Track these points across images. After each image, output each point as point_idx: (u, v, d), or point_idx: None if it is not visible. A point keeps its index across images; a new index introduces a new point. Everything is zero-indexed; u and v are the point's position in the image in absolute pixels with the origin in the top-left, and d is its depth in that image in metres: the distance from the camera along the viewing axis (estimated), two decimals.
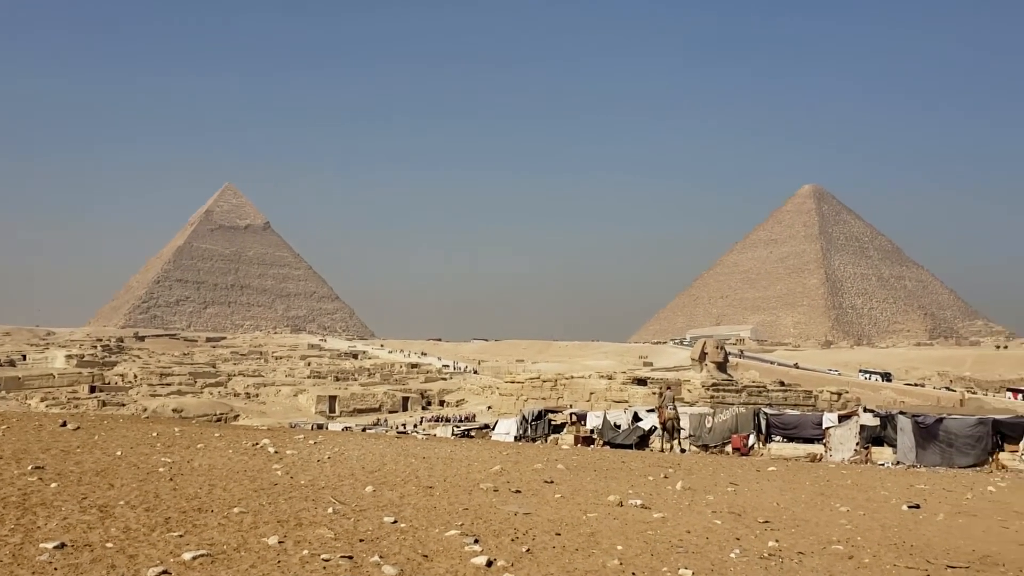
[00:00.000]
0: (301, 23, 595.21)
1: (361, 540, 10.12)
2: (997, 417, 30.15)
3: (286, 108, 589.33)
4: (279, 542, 9.61)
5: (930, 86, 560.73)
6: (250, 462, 17.37)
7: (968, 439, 28.33)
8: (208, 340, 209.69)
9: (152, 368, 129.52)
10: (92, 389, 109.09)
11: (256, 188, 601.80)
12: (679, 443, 35.66)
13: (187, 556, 8.68)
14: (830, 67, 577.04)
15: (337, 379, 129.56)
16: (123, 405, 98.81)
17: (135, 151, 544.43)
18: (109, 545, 8.94)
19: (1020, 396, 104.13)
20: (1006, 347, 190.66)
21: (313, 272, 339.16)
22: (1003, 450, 27.83)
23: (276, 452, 19.64)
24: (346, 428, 64.62)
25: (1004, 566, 10.36)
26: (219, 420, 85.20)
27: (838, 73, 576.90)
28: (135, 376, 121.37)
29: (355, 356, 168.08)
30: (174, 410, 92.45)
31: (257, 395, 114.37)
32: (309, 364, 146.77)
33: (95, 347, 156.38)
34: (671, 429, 34.92)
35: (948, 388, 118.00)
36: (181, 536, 9.56)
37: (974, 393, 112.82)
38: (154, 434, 21.93)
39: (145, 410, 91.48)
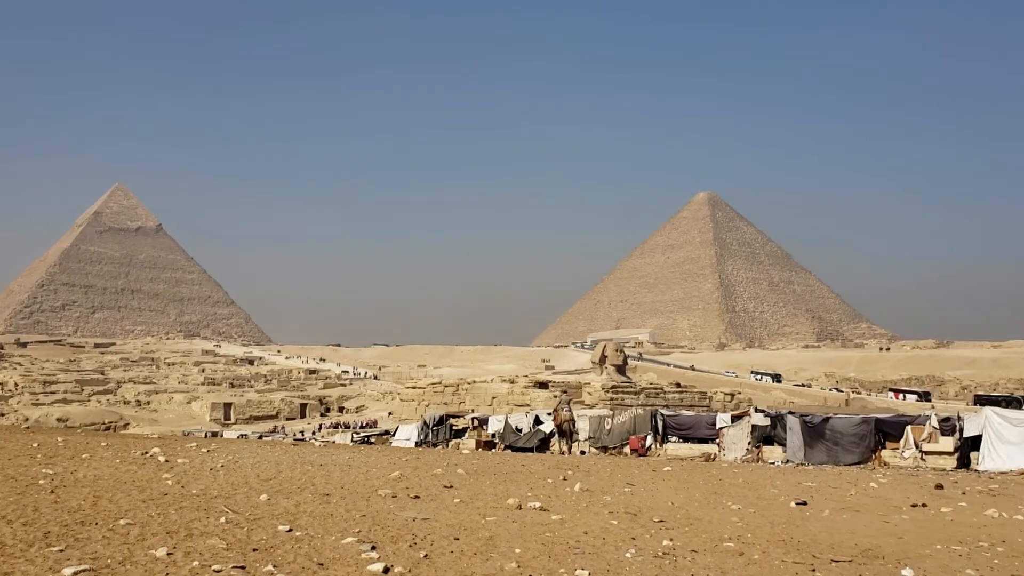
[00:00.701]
0: (193, 22, 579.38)
1: (255, 549, 9.89)
2: (879, 416, 31.56)
3: (179, 109, 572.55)
4: (168, 554, 9.31)
5: (816, 92, 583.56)
6: (139, 472, 16.82)
7: (853, 437, 29.54)
8: (97, 346, 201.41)
9: (35, 375, 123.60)
10: None
11: (148, 190, 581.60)
12: (577, 445, 36.18)
13: (68, 572, 8.30)
14: (725, 74, 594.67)
15: (232, 386, 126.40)
16: (2, 415, 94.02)
17: (16, 149, 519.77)
18: None
19: (901, 396, 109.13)
20: (888, 349, 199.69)
21: (207, 276, 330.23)
22: (885, 447, 29.13)
23: (167, 461, 19.08)
24: (242, 436, 63.07)
25: (884, 559, 10.82)
26: (107, 429, 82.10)
27: (732, 80, 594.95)
28: (16, 384, 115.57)
29: (251, 362, 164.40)
30: (59, 419, 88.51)
31: (148, 403, 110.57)
32: (203, 370, 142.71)
33: None
34: (567, 432, 35.71)
35: (837, 389, 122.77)
36: (62, 551, 9.15)
37: (858, 393, 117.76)
38: (35, 444, 21.03)
39: (27, 420, 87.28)
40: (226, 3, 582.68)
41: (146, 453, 20.63)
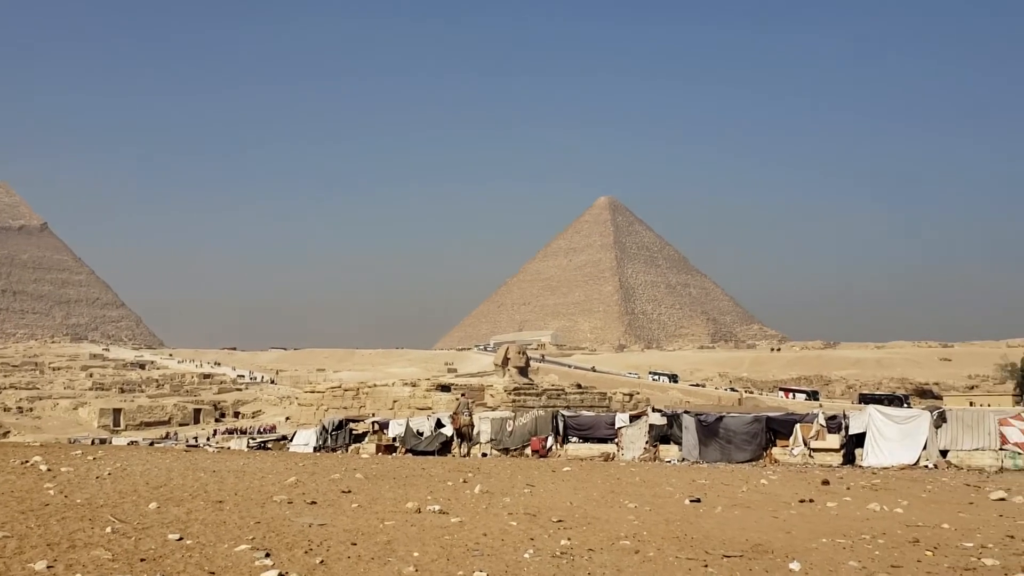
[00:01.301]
0: (76, 17, 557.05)
1: (142, 559, 9.58)
2: (770, 415, 32.55)
3: (65, 106, 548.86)
4: (48, 567, 8.93)
5: (711, 97, 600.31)
6: (18, 482, 16.11)
7: (745, 436, 30.39)
8: None
9: None
10: None
11: (33, 188, 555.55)
12: (479, 448, 36.26)
13: None
14: (628, 80, 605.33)
15: (123, 391, 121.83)
16: None
17: None
18: None
19: (791, 395, 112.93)
20: (779, 350, 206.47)
21: (96, 277, 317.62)
22: (775, 445, 30.06)
23: (49, 470, 18.33)
24: (132, 442, 60.79)
25: (773, 553, 11.16)
26: None
27: (634, 87, 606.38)
28: None
29: (142, 366, 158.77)
30: None
31: (31, 409, 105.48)
32: (91, 375, 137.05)
33: None
34: (466, 435, 35.89)
35: (732, 389, 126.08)
36: None
37: (751, 393, 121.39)
38: None
39: None
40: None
41: (26, 462, 19.78)
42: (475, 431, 37.21)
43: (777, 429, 30.45)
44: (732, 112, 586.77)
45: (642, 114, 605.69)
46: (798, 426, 29.82)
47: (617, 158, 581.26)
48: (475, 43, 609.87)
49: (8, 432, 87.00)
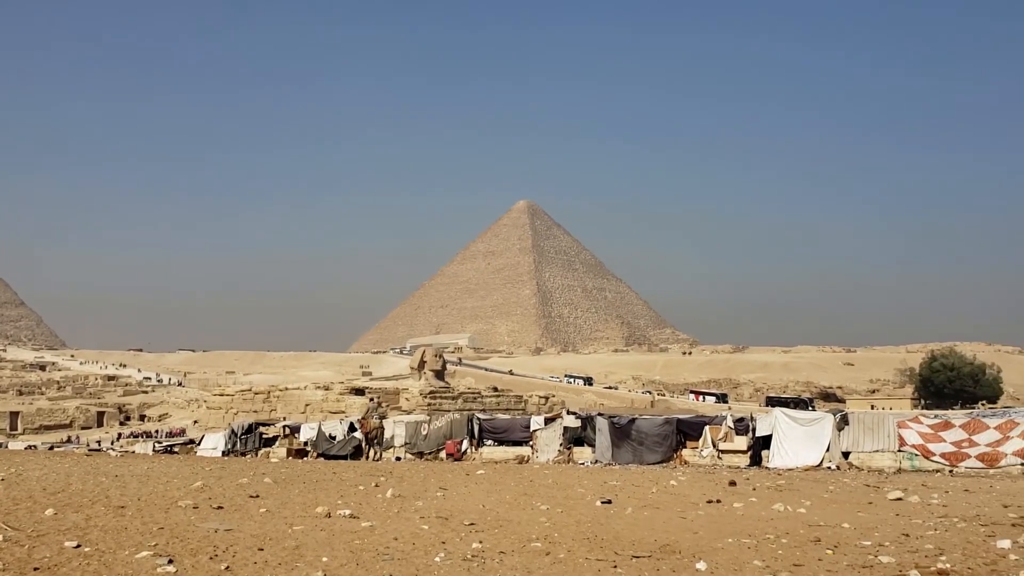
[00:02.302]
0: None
1: (36, 569, 9.23)
2: (681, 417, 33.19)
3: None
4: None
5: (623, 101, 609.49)
6: None
7: (656, 437, 30.90)
8: None
9: None
10: None
11: None
12: (393, 452, 36.04)
13: None
14: (546, 82, 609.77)
15: (21, 393, 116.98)
16: None
17: None
18: None
19: (701, 397, 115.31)
20: (690, 353, 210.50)
21: None
22: (686, 447, 30.65)
23: None
24: (31, 447, 58.44)
25: (680, 553, 11.36)
26: None
27: (552, 88, 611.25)
28: None
29: (43, 367, 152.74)
30: None
31: None
32: None
33: None
34: (375, 439, 35.79)
35: (649, 392, 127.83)
36: None
37: (663, 395, 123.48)
38: None
39: None
40: None
41: None
42: (385, 435, 37.00)
43: (687, 431, 31.03)
44: (646, 114, 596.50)
45: (560, 117, 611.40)
46: (707, 428, 30.44)
47: (535, 162, 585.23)
48: (395, 44, 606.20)
49: None
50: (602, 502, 16.56)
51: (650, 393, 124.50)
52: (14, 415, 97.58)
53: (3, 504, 13.93)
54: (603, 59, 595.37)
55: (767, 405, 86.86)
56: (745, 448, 29.41)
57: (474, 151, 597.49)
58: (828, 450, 27.74)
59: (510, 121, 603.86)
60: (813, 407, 73.25)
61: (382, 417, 42.23)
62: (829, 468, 26.89)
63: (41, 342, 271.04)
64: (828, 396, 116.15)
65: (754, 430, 29.72)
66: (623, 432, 31.24)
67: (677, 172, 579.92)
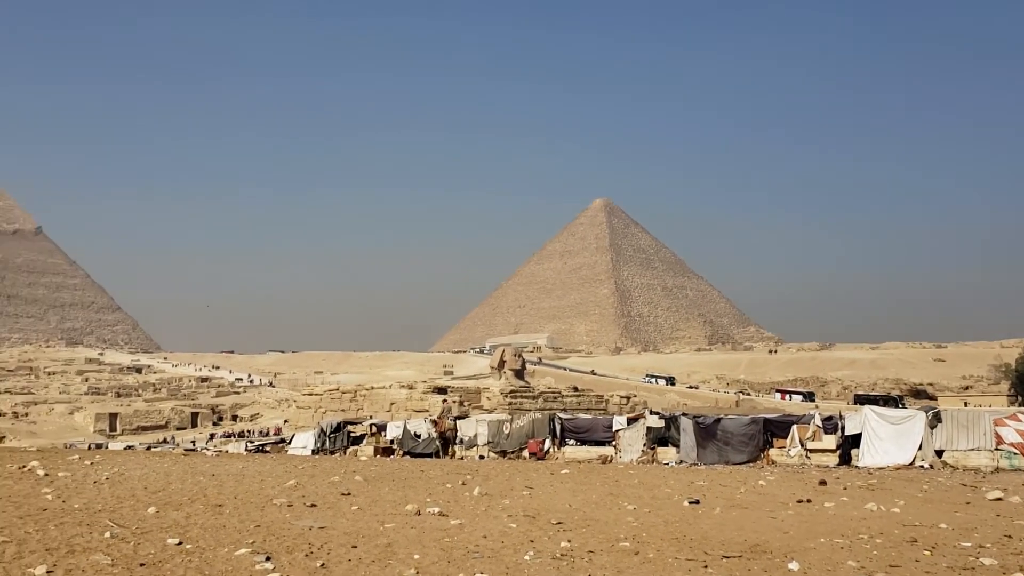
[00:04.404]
0: (79, 23, 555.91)
1: (142, 564, 9.59)
2: (767, 416, 32.62)
3: (59, 107, 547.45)
4: (47, 572, 8.95)
5: (706, 104, 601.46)
6: (15, 487, 16.11)
7: (742, 437, 30.47)
8: None
9: None
10: None
11: (27, 191, 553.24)
12: (476, 450, 36.36)
13: None
14: (621, 82, 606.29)
15: (119, 395, 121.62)
16: None
17: None
18: None
19: (787, 396, 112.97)
20: (775, 352, 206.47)
21: (91, 281, 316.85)
22: (773, 446, 30.15)
23: (47, 475, 18.31)
24: (129, 447, 60.74)
25: (772, 553, 11.20)
26: None
27: (630, 89, 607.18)
28: None
29: (139, 370, 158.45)
30: None
31: (27, 414, 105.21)
32: (87, 380, 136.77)
33: None
34: (450, 439, 36.19)
35: (740, 391, 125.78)
36: None
37: (747, 394, 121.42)
38: None
39: None
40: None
41: (24, 467, 19.76)
42: (467, 434, 37.36)
43: (774, 430, 30.54)
44: (728, 113, 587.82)
45: (639, 116, 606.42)
46: (795, 427, 29.91)
47: (613, 160, 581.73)
48: (474, 46, 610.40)
49: (3, 437, 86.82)
50: (689, 502, 16.43)
51: (734, 392, 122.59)
52: (113, 416, 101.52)
53: (109, 502, 14.52)
54: (677, 56, 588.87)
55: (855, 403, 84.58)
56: (834, 447, 28.80)
57: (550, 151, 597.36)
58: (920, 448, 26.96)
59: (586, 120, 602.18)
60: (904, 405, 71.25)
61: (464, 416, 42.63)
62: (922, 467, 26.14)
63: (137, 346, 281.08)
64: (919, 393, 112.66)
65: (843, 428, 29.09)
66: (708, 432, 30.88)
67: (758, 167, 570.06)
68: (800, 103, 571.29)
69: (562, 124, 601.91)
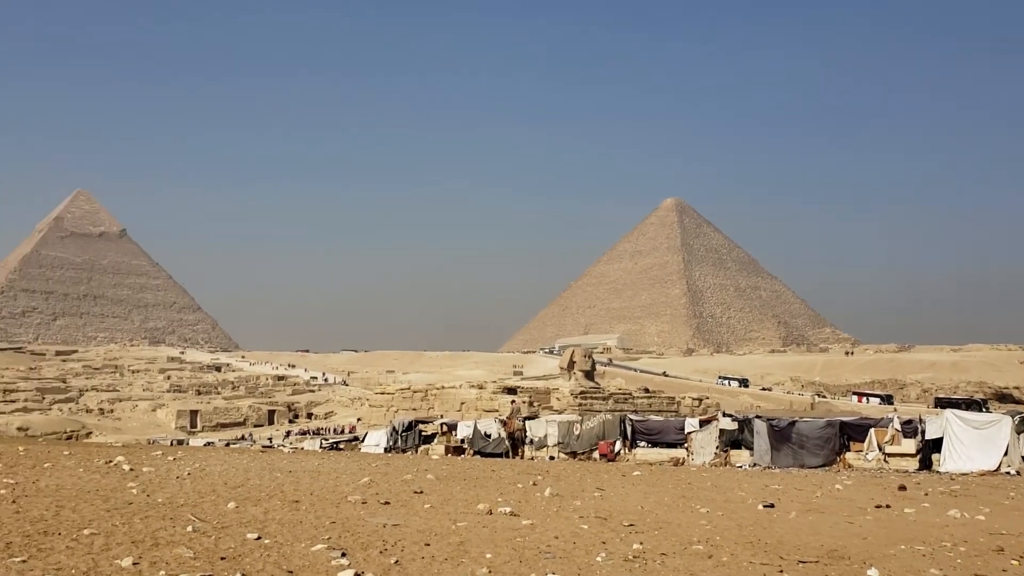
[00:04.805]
0: (164, 24, 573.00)
1: (223, 558, 9.83)
2: (844, 419, 31.93)
3: (145, 111, 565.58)
4: (134, 563, 9.23)
5: (783, 105, 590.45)
6: (103, 481, 16.64)
7: (818, 440, 29.87)
8: (58, 353, 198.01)
9: None
10: None
11: (111, 195, 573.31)
12: (546, 451, 36.36)
13: None
14: (692, 83, 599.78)
15: (199, 393, 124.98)
16: None
17: None
18: None
19: (864, 399, 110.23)
20: (852, 353, 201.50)
21: (173, 282, 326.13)
22: (849, 450, 29.49)
23: (131, 470, 18.89)
24: (209, 443, 62.43)
25: (849, 559, 10.96)
26: (69, 438, 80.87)
27: (700, 89, 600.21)
28: None
29: (218, 369, 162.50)
30: (19, 428, 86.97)
31: (112, 411, 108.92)
32: (169, 377, 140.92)
33: None
34: (519, 440, 36.19)
35: (815, 393, 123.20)
36: (24, 562, 9.03)
37: (823, 397, 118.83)
38: None
39: None
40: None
41: (110, 462, 20.40)
42: (538, 434, 37.39)
43: (851, 434, 29.91)
44: (802, 111, 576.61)
45: (709, 114, 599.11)
46: (873, 431, 29.22)
47: (684, 159, 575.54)
48: (542, 48, 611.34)
49: (91, 433, 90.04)
50: (764, 506, 16.18)
51: (808, 395, 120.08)
52: (194, 413, 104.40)
53: (190, 497, 14.92)
54: (750, 54, 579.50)
55: (936, 406, 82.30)
56: (914, 451, 28.06)
57: (621, 149, 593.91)
58: (1007, 454, 26.06)
59: (657, 119, 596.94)
60: (988, 408, 69.05)
61: (533, 416, 42.66)
62: (1008, 473, 25.24)
63: (216, 344, 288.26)
64: (1004, 397, 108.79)
65: (923, 432, 28.30)
66: (783, 435, 30.37)
67: (831, 167, 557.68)
68: (880, 102, 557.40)
69: (633, 124, 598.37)
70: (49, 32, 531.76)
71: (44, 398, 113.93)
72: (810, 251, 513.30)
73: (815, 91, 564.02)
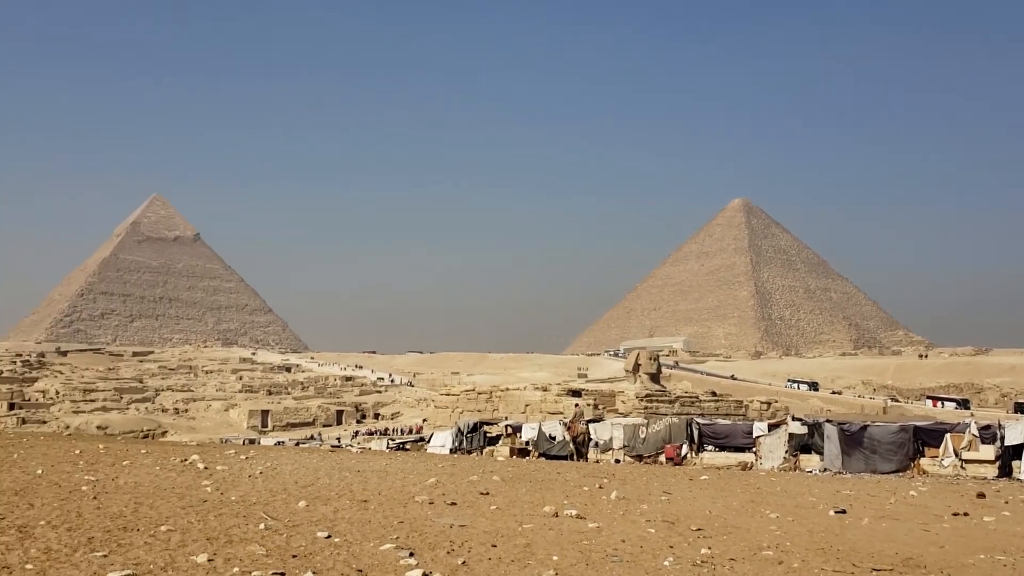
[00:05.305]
0: (230, 27, 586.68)
1: (294, 556, 10.00)
2: (918, 424, 31.11)
3: (218, 116, 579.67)
4: (208, 560, 9.44)
5: (854, 103, 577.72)
6: (178, 479, 17.05)
7: (891, 446, 29.17)
8: (135, 354, 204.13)
9: (75, 384, 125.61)
10: (11, 406, 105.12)
11: (185, 199, 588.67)
12: (612, 454, 36.18)
13: None
14: (760, 83, 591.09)
15: (270, 393, 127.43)
16: (44, 422, 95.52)
17: (56, 159, 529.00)
18: (29, 567, 8.66)
19: (939, 403, 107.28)
20: (926, 356, 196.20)
21: (245, 284, 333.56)
22: (924, 456, 28.72)
23: (206, 468, 19.32)
24: (279, 443, 63.60)
25: (926, 568, 10.68)
26: (146, 437, 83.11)
27: (765, 90, 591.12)
28: (57, 392, 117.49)
29: (288, 369, 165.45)
30: (98, 427, 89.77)
31: (186, 410, 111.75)
32: (241, 378, 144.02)
33: (14, 362, 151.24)
34: (582, 443, 35.97)
35: (888, 397, 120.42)
36: (105, 556, 9.32)
37: (896, 401, 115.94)
38: (77, 452, 21.39)
39: (67, 427, 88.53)
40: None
41: (185, 460, 20.90)
42: (603, 437, 37.20)
43: (925, 439, 29.15)
44: (872, 109, 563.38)
45: (777, 113, 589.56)
46: (948, 436, 28.42)
47: (751, 159, 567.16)
48: (609, 52, 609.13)
49: (166, 432, 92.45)
50: (835, 512, 15.86)
51: (881, 399, 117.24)
52: (264, 413, 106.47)
53: (262, 495, 15.21)
54: (816, 51, 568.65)
55: (1016, 411, 79.66)
56: (992, 458, 27.21)
57: (685, 150, 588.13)
58: None
59: (725, 117, 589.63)
60: None
61: (598, 419, 42.47)
62: None
63: (287, 346, 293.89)
64: None
65: (1003, 438, 27.40)
66: (854, 440, 29.72)
67: (904, 165, 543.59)
68: (953, 99, 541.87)
69: (699, 125, 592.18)
70: (112, 34, 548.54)
71: (122, 398, 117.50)
72: (882, 251, 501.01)
73: (886, 86, 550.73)
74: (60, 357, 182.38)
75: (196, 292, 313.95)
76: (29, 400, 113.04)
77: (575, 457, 36.72)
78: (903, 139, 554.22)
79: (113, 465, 18.81)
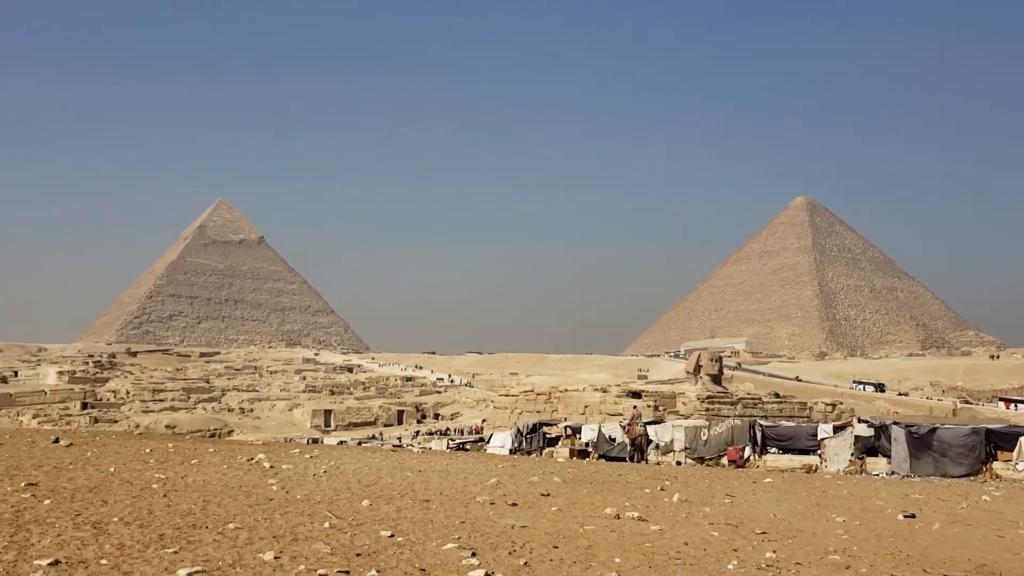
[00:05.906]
0: (297, 31, 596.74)
1: (358, 555, 10.11)
2: (990, 427, 30.24)
3: (282, 120, 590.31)
4: (275, 557, 9.59)
5: (920, 102, 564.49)
6: (245, 477, 17.35)
7: (961, 449, 28.39)
8: (202, 355, 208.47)
9: (145, 384, 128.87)
10: (84, 405, 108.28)
11: (250, 202, 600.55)
12: (673, 455, 35.85)
13: (182, 573, 8.65)
14: (822, 81, 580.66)
15: (332, 393, 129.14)
16: (115, 422, 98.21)
17: (127, 165, 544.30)
18: (103, 562, 8.90)
19: (1012, 406, 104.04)
20: (997, 357, 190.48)
21: (308, 286, 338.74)
22: (996, 459, 27.89)
23: (271, 467, 19.62)
24: (341, 442, 64.37)
25: (1000, 575, 10.37)
26: (213, 436, 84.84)
27: (830, 87, 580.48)
28: (127, 392, 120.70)
29: (350, 370, 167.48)
30: (167, 426, 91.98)
31: (252, 410, 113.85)
32: (304, 378, 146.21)
33: (87, 363, 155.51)
34: (639, 445, 35.67)
35: (958, 399, 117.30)
36: (176, 553, 9.53)
37: (966, 403, 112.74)
38: (147, 450, 21.90)
39: (138, 426, 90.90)
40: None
41: (252, 459, 21.24)
42: (664, 439, 36.91)
43: (998, 442, 28.30)
44: (938, 107, 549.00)
45: (841, 110, 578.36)
46: (1022, 439, 27.54)
47: (815, 156, 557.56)
48: (667, 55, 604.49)
49: (232, 431, 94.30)
50: (904, 516, 15.49)
51: (950, 400, 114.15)
52: (327, 413, 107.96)
53: (327, 494, 15.41)
54: (886, 51, 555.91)
55: None
56: None
57: (749, 147, 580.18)
58: None
59: (788, 114, 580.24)
60: None
61: (658, 421, 42.13)
62: None
63: (349, 346, 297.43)
64: None
65: None
66: (923, 442, 28.99)
67: (971, 163, 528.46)
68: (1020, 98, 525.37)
69: (762, 123, 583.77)
70: (183, 39, 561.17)
71: (189, 397, 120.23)
72: (951, 250, 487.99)
73: (952, 83, 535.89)
74: (130, 358, 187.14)
75: (261, 294, 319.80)
76: (101, 400, 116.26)
77: (636, 458, 36.49)
78: (973, 137, 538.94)
79: (182, 464, 19.23)
